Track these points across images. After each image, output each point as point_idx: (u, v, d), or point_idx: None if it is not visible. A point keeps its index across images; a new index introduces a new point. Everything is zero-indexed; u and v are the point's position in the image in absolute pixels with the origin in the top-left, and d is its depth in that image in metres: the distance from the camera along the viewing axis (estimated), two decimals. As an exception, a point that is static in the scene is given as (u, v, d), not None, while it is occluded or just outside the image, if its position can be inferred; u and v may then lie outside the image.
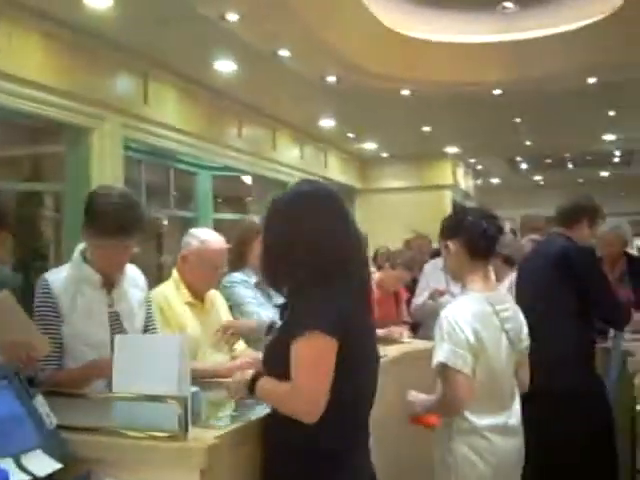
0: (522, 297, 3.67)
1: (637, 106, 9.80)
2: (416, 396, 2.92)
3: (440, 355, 2.62)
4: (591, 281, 3.63)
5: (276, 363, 2.04)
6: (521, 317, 2.89)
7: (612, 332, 4.23)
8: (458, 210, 3.20)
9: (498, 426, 2.70)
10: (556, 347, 3.50)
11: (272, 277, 2.17)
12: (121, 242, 2.46)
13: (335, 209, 2.13)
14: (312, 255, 2.02)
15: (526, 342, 2.89)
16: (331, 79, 7.93)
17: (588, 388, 3.54)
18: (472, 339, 2.62)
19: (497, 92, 8.58)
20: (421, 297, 5.19)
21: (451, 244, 2.82)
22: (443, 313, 2.72)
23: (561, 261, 3.62)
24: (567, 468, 3.57)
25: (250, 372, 2.14)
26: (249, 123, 9.41)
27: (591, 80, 8.22)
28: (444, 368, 2.62)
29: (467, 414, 2.65)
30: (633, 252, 6.01)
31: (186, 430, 1.95)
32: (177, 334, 2.92)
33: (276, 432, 2.05)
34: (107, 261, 2.53)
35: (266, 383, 2.07)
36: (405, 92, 8.48)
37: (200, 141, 8.28)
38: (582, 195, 3.94)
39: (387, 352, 3.99)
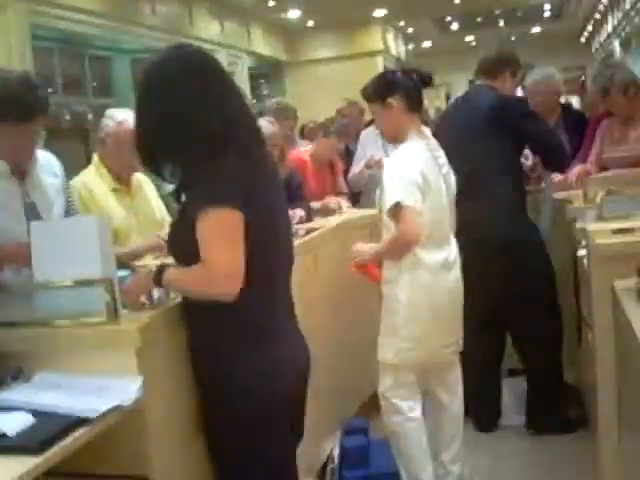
0: (452, 150, 3.62)
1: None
2: (362, 246, 3.08)
3: (394, 196, 2.81)
4: (530, 125, 3.60)
5: (183, 250, 1.93)
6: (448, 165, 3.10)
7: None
8: (384, 71, 3.22)
9: (442, 261, 2.97)
10: (494, 198, 3.51)
11: (153, 160, 1.99)
12: (25, 126, 2.28)
13: (212, 74, 1.96)
14: (193, 125, 1.87)
15: (454, 188, 3.10)
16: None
17: (528, 236, 3.58)
18: (420, 180, 2.83)
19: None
20: (358, 166, 5.09)
21: (393, 100, 2.96)
22: (391, 159, 2.95)
23: (496, 112, 3.55)
24: (513, 317, 3.65)
25: (154, 264, 1.98)
26: (162, -2, 8.91)
27: None
28: (398, 208, 2.80)
29: (417, 250, 2.86)
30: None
31: (116, 313, 1.86)
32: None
33: (200, 308, 1.94)
34: (13, 149, 2.35)
35: (175, 270, 1.94)
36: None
37: (112, 22, 7.82)
38: (503, 45, 3.87)
39: (326, 223, 3.97)
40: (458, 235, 3.57)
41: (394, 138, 3.06)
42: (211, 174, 1.85)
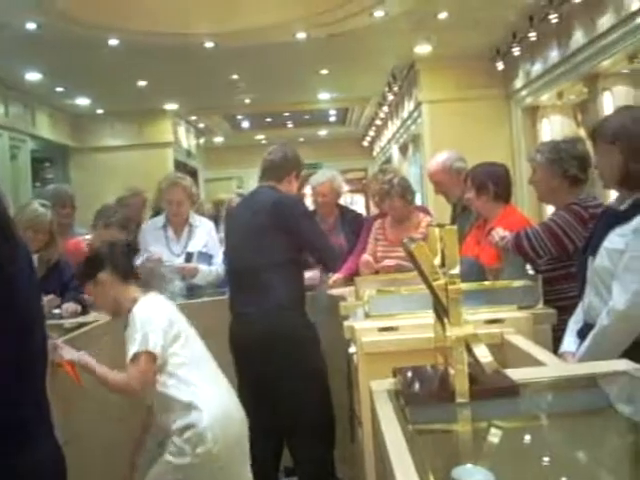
0: (236, 246, 3.65)
1: (346, 65, 10.26)
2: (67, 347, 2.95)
3: (133, 348, 2.81)
4: (306, 226, 3.70)
5: None
6: None
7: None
8: (92, 249, 3.34)
9: (227, 398, 2.98)
10: (276, 294, 3.53)
11: None
12: None
13: None
14: None
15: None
16: (32, 26, 7.25)
17: (303, 333, 3.62)
18: (168, 324, 2.90)
19: (209, 45, 8.45)
20: (139, 258, 4.94)
21: (105, 275, 3.01)
22: (135, 311, 2.91)
23: (275, 210, 3.63)
24: (286, 413, 3.63)
25: None
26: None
27: (300, 36, 8.39)
28: (137, 354, 2.81)
29: (194, 403, 2.83)
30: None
31: None
32: None
33: None
34: None
35: None
36: (114, 42, 8.02)
37: None
38: (288, 148, 3.97)
39: (101, 317, 3.79)
40: (235, 329, 3.56)
41: (115, 312, 3.10)
42: None
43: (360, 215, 5.75)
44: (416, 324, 2.61)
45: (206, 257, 4.82)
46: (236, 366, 3.66)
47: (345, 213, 5.29)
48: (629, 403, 1.77)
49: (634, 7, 6.20)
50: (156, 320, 2.91)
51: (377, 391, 1.70)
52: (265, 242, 3.58)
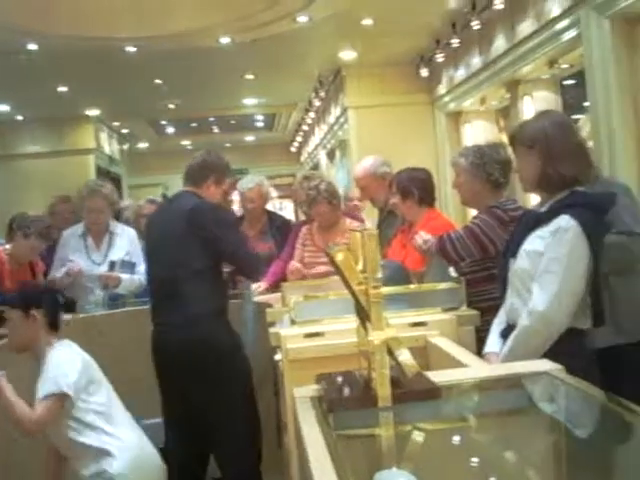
0: (154, 253, 3.67)
1: (271, 70, 10.23)
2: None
3: (47, 387, 2.87)
4: (224, 234, 3.58)
5: None
6: None
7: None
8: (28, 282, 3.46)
9: (140, 446, 3.05)
10: (195, 303, 3.45)
11: None
12: None
13: None
14: None
15: None
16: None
17: (225, 341, 3.53)
18: (82, 368, 2.98)
19: (130, 49, 8.29)
20: (59, 271, 4.77)
21: (36, 313, 3.05)
22: (52, 354, 3.00)
23: (191, 217, 3.51)
24: (210, 423, 3.55)
25: None
26: None
27: (224, 40, 8.31)
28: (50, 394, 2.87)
29: (106, 449, 2.91)
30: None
31: None
32: None
33: None
34: None
35: None
36: (32, 47, 7.80)
37: None
38: (210, 153, 3.82)
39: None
40: (156, 339, 3.48)
41: (22, 349, 3.11)
42: None
43: (289, 221, 5.74)
44: (342, 329, 2.60)
45: (129, 265, 4.72)
46: (158, 376, 3.57)
47: (274, 219, 5.28)
48: (550, 402, 1.80)
49: (554, 13, 6.36)
50: (71, 364, 2.98)
51: (299, 397, 1.68)
52: (183, 250, 3.47)
